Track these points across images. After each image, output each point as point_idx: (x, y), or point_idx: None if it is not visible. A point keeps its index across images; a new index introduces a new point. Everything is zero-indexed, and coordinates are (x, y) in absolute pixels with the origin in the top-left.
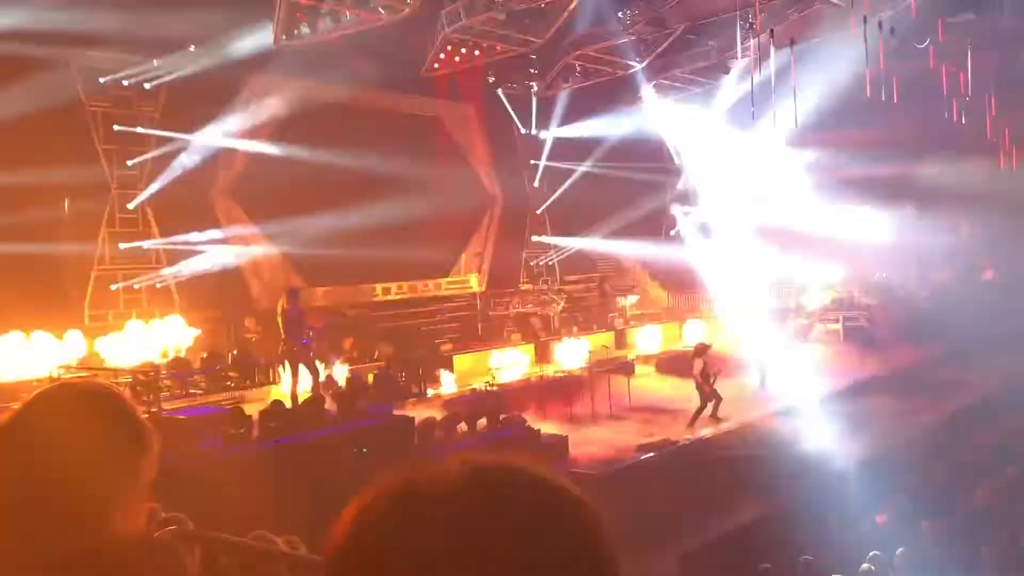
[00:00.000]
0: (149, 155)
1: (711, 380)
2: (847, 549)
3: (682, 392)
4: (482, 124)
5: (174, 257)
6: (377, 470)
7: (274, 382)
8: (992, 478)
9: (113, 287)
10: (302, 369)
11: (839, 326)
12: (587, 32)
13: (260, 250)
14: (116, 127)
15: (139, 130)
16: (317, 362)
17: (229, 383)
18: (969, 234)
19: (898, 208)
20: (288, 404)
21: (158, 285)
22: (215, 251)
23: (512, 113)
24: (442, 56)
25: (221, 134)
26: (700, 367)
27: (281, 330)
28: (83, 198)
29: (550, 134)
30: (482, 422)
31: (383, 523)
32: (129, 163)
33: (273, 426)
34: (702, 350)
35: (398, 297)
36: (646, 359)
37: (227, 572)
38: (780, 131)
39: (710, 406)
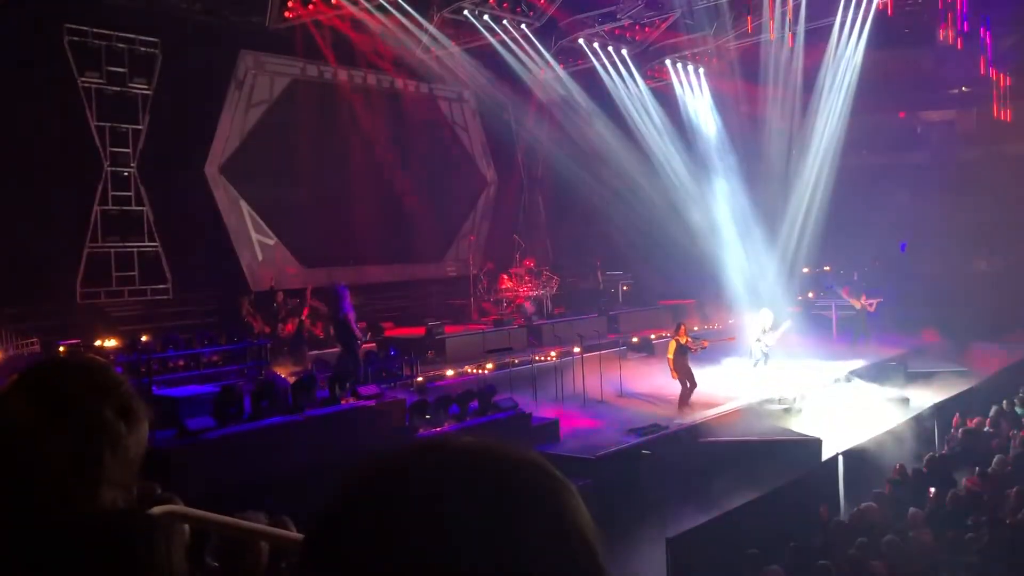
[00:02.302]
0: (142, 131)
1: (687, 363)
2: (835, 536)
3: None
4: (478, 106)
5: (167, 235)
6: (366, 453)
7: (267, 360)
8: (980, 466)
9: None
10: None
11: (832, 314)
12: (585, 15)
13: (252, 229)
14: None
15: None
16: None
17: (220, 361)
18: (963, 223)
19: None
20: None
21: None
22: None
23: (506, 95)
24: (437, 38)
25: (217, 112)
26: (674, 349)
27: (350, 323)
28: (76, 174)
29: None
30: (473, 405)
31: (361, 508)
32: (122, 139)
33: (265, 406)
34: (678, 332)
35: (391, 279)
36: (639, 344)
37: (215, 550)
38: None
39: (688, 388)
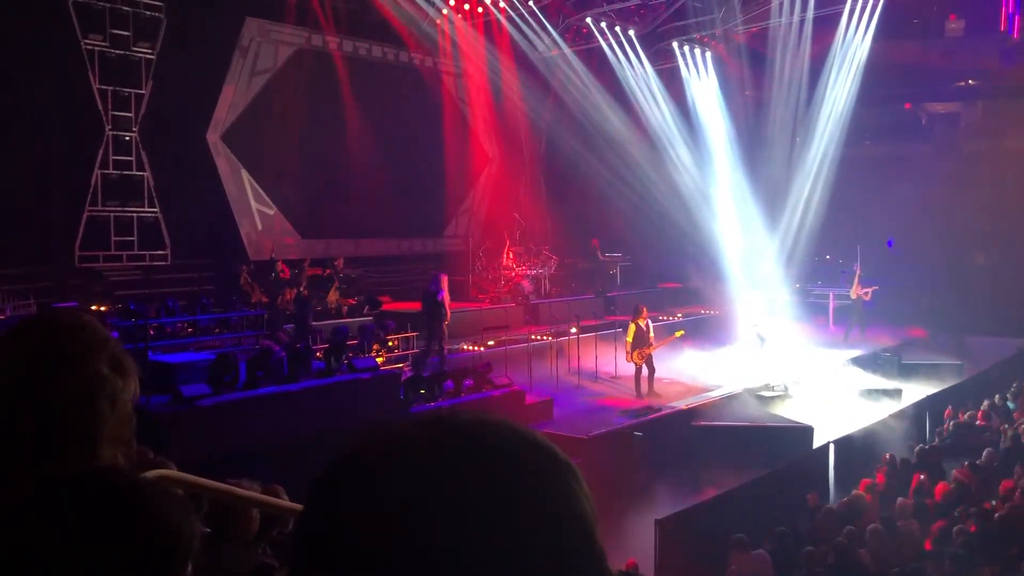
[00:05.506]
0: (145, 95)
1: (645, 347)
2: (823, 523)
3: (667, 360)
4: (482, 83)
5: (167, 201)
6: (362, 425)
7: (266, 333)
8: (970, 458)
9: None
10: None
11: (829, 303)
12: None
13: (252, 198)
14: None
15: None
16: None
17: (218, 330)
18: (964, 216)
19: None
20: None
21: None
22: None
23: (512, 72)
24: (444, 12)
25: (220, 79)
26: (633, 332)
27: (445, 305)
28: (77, 137)
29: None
30: (469, 382)
31: (360, 480)
32: (124, 103)
33: (260, 375)
34: (639, 315)
35: (389, 253)
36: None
37: (208, 515)
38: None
39: (645, 370)
